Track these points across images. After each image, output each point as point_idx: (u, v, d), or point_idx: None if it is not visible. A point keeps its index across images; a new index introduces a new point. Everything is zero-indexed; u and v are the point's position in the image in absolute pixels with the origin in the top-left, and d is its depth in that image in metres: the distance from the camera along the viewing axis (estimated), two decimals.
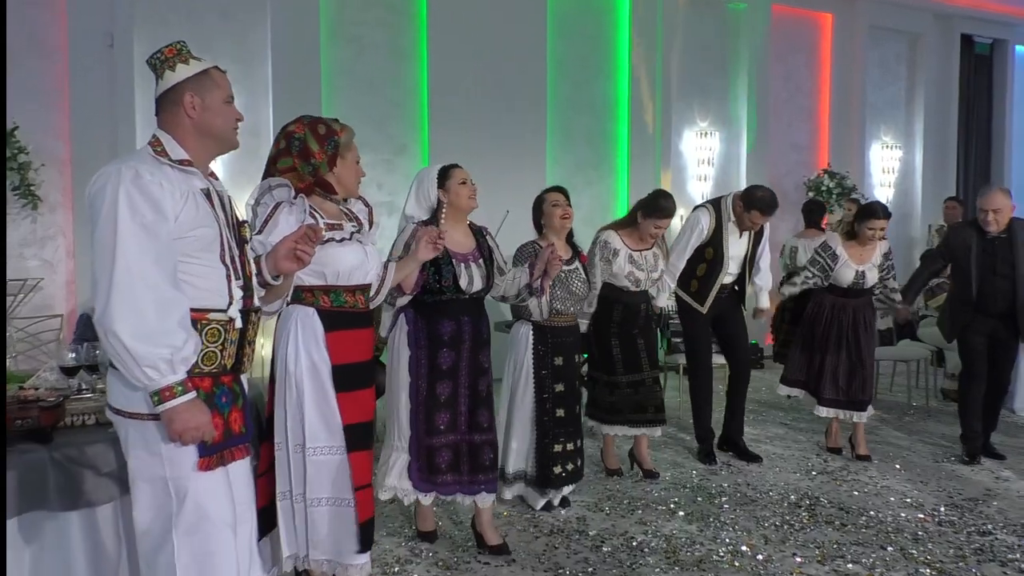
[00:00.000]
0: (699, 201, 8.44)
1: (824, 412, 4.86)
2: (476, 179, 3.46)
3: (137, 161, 2.03)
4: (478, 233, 3.46)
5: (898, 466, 4.72)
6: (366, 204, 2.96)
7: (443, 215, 3.32)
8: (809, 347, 4.88)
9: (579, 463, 3.91)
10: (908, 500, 4.13)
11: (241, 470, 2.23)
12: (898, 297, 4.86)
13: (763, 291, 4.84)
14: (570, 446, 3.84)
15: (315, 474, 2.68)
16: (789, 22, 8.89)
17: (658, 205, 4.20)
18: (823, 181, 8.56)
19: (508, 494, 3.88)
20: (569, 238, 3.95)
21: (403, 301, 3.26)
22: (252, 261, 2.29)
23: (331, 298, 2.72)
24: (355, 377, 2.74)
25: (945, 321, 4.91)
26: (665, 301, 4.60)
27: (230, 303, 2.13)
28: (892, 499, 4.15)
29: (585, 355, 4.93)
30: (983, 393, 4.77)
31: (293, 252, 2.31)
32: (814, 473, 4.59)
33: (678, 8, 8.09)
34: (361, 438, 2.76)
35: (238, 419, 2.17)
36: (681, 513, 3.95)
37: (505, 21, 7.25)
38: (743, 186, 8.37)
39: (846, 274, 4.72)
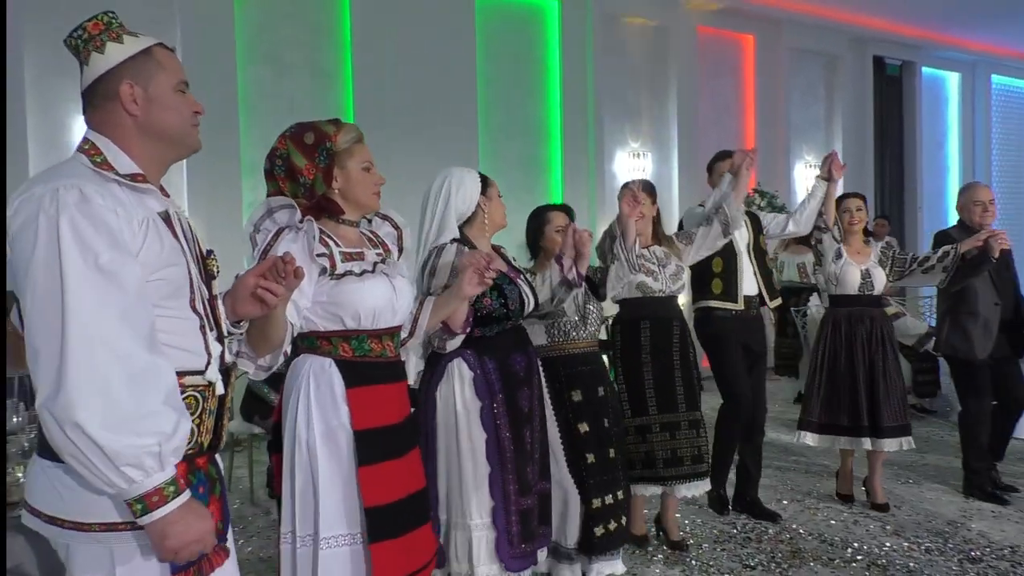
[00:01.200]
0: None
1: (867, 443, 4.16)
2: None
3: (76, 178, 1.46)
4: (498, 250, 2.96)
5: (864, 488, 4.55)
6: (395, 225, 2.40)
7: (485, 222, 2.79)
8: (832, 378, 4.21)
9: (623, 521, 3.16)
10: (887, 528, 3.96)
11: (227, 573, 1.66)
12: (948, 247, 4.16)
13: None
14: (609, 499, 3.10)
15: (329, 572, 2.09)
16: (714, 43, 8.91)
17: (626, 184, 3.65)
18: (754, 200, 8.54)
19: None
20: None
21: (454, 344, 2.60)
22: (220, 306, 1.74)
23: (353, 346, 2.14)
24: (385, 444, 2.15)
25: (952, 335, 4.34)
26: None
27: (208, 363, 1.61)
28: (871, 527, 3.97)
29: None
30: (990, 424, 4.40)
31: (254, 291, 1.74)
32: (784, 502, 4.38)
33: (606, 29, 7.98)
34: (394, 521, 2.14)
35: (215, 513, 1.61)
36: (660, 557, 3.65)
37: (433, 43, 6.98)
38: (676, 206, 8.35)
39: (851, 274, 4.16)
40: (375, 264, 2.21)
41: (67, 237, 1.40)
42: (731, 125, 9.11)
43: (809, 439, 4.29)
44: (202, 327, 1.62)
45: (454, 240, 2.70)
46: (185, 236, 1.64)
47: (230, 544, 1.73)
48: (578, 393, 3.14)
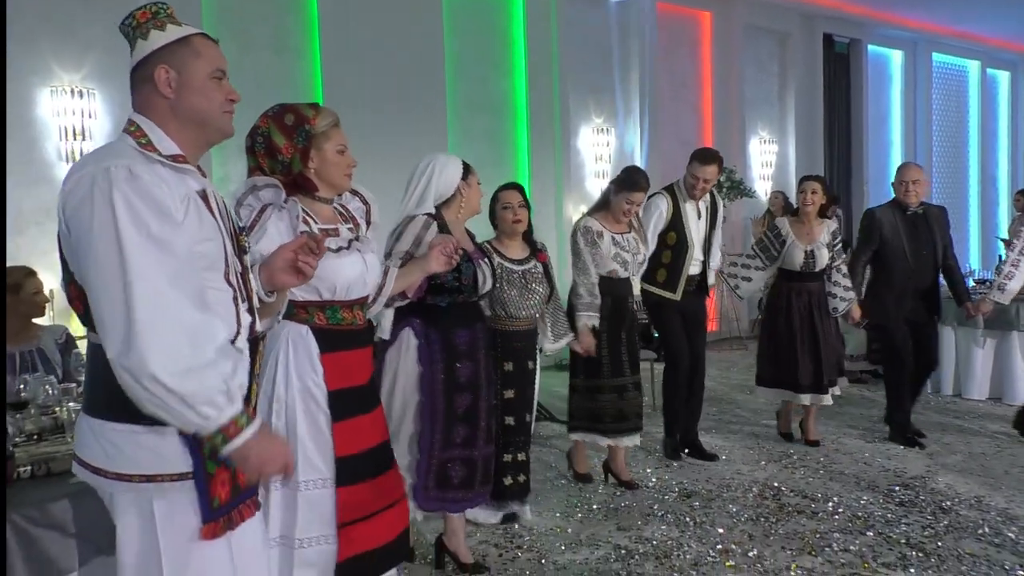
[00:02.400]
0: (597, 198, 8.48)
1: (805, 399, 4.79)
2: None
3: (125, 158, 1.61)
4: (469, 234, 3.24)
5: (836, 449, 4.82)
6: (364, 201, 2.57)
7: (462, 205, 3.08)
8: (774, 341, 4.85)
9: (527, 477, 3.59)
10: (862, 483, 4.20)
11: (252, 529, 1.83)
12: (850, 289, 4.80)
13: (711, 270, 4.72)
14: (521, 456, 3.55)
15: (307, 511, 2.34)
16: (673, 20, 9.06)
17: (631, 179, 4.07)
18: None
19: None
20: (527, 236, 3.69)
21: (402, 303, 2.89)
22: (254, 277, 1.90)
23: (327, 315, 2.36)
24: (354, 403, 2.41)
25: (873, 304, 4.92)
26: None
27: (238, 332, 1.75)
28: (847, 483, 4.21)
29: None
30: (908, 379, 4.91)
31: (293, 264, 1.93)
32: (763, 463, 4.61)
33: (569, 3, 8.04)
34: (357, 470, 2.41)
35: None
36: (657, 515, 3.83)
37: (400, 19, 6.95)
38: None
39: (795, 255, 4.72)
40: (350, 241, 2.41)
41: (122, 211, 1.55)
42: (690, 100, 9.30)
43: (761, 393, 5.04)
44: (235, 298, 1.76)
45: (427, 214, 2.97)
46: (220, 213, 1.78)
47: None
48: (510, 364, 3.52)
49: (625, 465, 4.32)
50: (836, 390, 4.87)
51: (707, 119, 9.45)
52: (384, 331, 2.99)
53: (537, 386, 3.75)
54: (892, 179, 5.01)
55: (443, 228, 3.00)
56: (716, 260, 4.75)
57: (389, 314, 2.98)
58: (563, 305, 3.92)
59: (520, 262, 3.57)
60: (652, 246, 4.44)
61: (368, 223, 2.56)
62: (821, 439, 4.93)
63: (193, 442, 1.65)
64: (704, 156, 4.49)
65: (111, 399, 1.64)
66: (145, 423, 1.63)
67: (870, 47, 11.22)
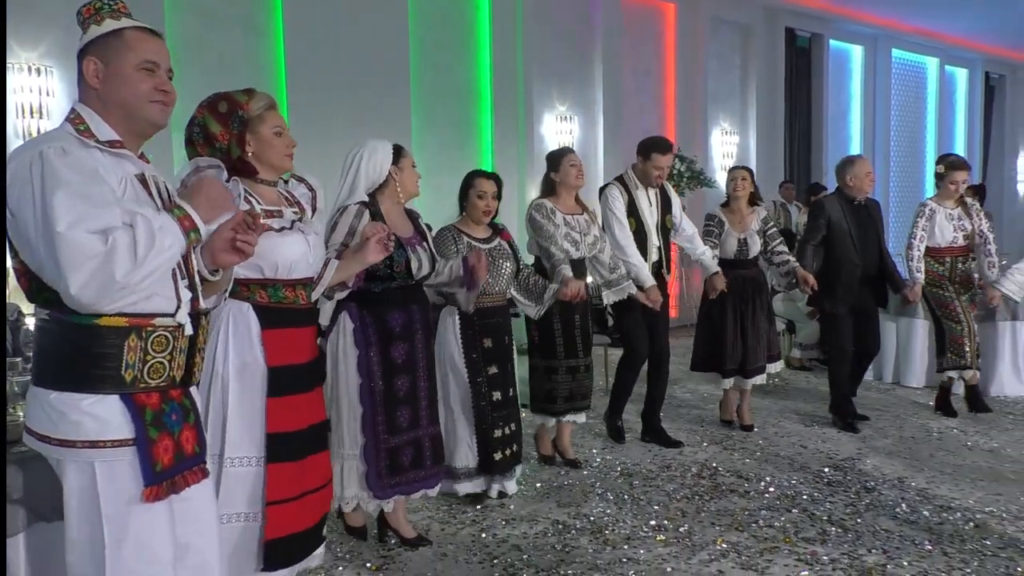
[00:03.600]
0: None
1: (728, 383, 5.00)
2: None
3: (60, 141, 1.75)
4: (412, 216, 3.31)
5: (776, 432, 5.01)
6: (310, 188, 2.67)
7: (397, 190, 3.15)
8: (707, 325, 5.02)
9: (516, 447, 3.80)
10: (795, 464, 4.40)
11: (201, 494, 1.97)
12: (794, 261, 4.92)
13: (706, 256, 4.79)
14: (508, 430, 3.73)
15: (230, 487, 2.42)
16: (638, 11, 9.19)
17: (560, 150, 4.31)
18: (674, 165, 8.91)
19: (461, 491, 3.70)
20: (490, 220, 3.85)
21: (343, 295, 2.99)
22: (196, 257, 2.00)
23: (269, 293, 2.45)
24: (294, 380, 2.50)
25: (822, 294, 5.01)
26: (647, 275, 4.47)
27: (178, 307, 1.86)
28: (781, 464, 4.40)
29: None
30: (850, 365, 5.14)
31: (232, 243, 1.96)
32: (705, 444, 4.78)
33: None
34: (293, 447, 2.50)
35: (190, 438, 1.91)
36: (597, 493, 3.98)
37: (365, 5, 6.99)
38: (601, 169, 8.65)
39: (729, 243, 4.91)
40: (293, 222, 2.51)
41: (49, 182, 1.68)
42: (653, 91, 9.44)
43: (698, 376, 5.37)
44: (173, 275, 1.87)
45: (360, 203, 3.03)
46: (160, 195, 1.91)
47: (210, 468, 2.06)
48: (489, 341, 3.68)
49: (570, 444, 4.47)
50: (763, 377, 5.03)
51: (669, 110, 9.60)
52: (324, 316, 3.06)
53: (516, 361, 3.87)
54: (843, 173, 5.07)
55: (376, 215, 3.05)
56: (701, 245, 4.79)
57: (329, 305, 3.07)
58: (533, 272, 3.99)
59: (485, 241, 3.76)
60: (628, 231, 4.45)
61: (314, 209, 2.65)
62: (754, 424, 5.09)
63: (135, 409, 1.78)
64: (664, 146, 4.56)
65: (57, 370, 1.78)
66: (89, 391, 1.76)
67: (831, 42, 11.45)
